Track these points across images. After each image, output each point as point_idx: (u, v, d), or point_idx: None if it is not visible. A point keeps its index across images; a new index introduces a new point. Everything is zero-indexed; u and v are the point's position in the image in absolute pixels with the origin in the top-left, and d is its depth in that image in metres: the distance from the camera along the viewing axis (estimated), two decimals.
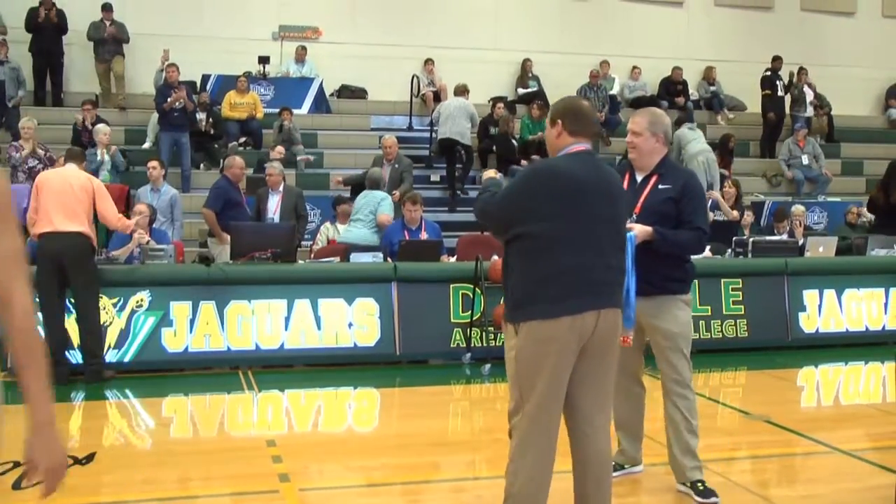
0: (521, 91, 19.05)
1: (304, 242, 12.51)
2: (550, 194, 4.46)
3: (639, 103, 19.49)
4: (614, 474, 5.47)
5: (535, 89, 18.71)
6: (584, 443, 4.61)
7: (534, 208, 4.46)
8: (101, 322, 8.95)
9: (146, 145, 15.78)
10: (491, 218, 4.74)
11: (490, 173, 5.24)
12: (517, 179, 4.68)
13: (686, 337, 5.66)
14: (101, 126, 13.62)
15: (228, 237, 10.78)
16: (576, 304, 4.41)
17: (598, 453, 4.63)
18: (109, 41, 16.58)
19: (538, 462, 4.46)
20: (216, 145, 15.61)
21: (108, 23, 16.61)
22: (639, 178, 5.59)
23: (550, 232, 4.43)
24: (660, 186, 5.48)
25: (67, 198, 8.62)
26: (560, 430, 4.54)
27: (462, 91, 16.26)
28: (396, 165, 13.37)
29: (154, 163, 12.10)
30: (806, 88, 19.39)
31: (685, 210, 5.43)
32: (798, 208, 13.81)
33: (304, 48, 18.32)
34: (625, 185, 5.43)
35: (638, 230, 5.31)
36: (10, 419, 7.50)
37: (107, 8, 16.53)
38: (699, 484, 5.53)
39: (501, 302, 9.41)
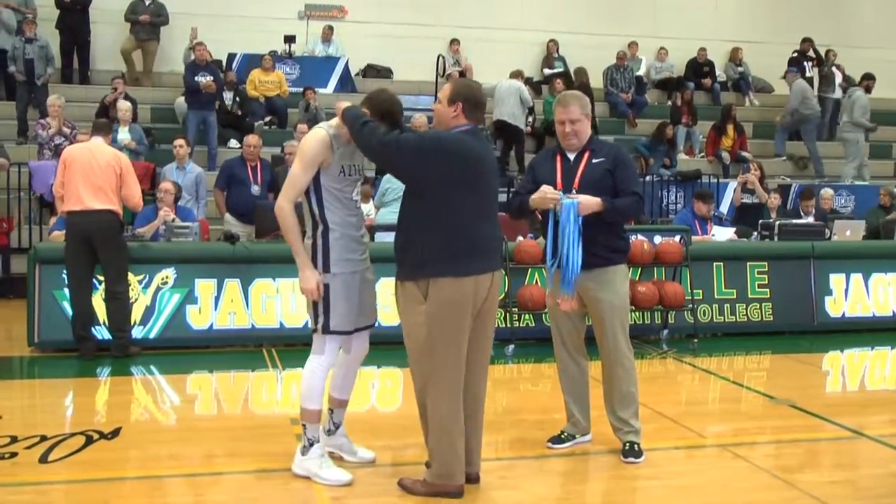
0: (546, 72, 18.95)
1: None
2: (456, 165, 4.98)
3: (665, 85, 19.42)
4: (566, 444, 6.13)
5: (560, 70, 18.60)
6: (473, 402, 5.24)
7: (440, 174, 4.97)
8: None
9: None
10: (393, 164, 5.24)
11: (345, 103, 5.47)
12: (427, 142, 5.11)
13: (625, 308, 5.98)
14: (121, 103, 13.63)
15: (226, 214, 10.94)
16: (477, 266, 5.03)
17: (474, 395, 5.25)
18: (147, 23, 16.64)
19: (457, 406, 5.08)
20: (247, 121, 15.58)
21: (147, 2, 16.66)
22: (571, 156, 5.88)
23: (456, 199, 4.99)
24: (594, 161, 5.81)
25: (94, 175, 8.66)
26: None
27: (516, 75, 16.28)
28: None
29: (180, 141, 12.13)
30: (835, 70, 19.19)
31: (621, 178, 5.75)
32: (827, 191, 13.72)
33: (330, 28, 18.27)
34: (557, 165, 5.88)
35: (584, 201, 5.60)
36: (41, 393, 7.60)
37: None
38: (627, 445, 5.92)
39: (526, 283, 9.47)
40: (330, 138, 5.32)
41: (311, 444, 5.48)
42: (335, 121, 5.39)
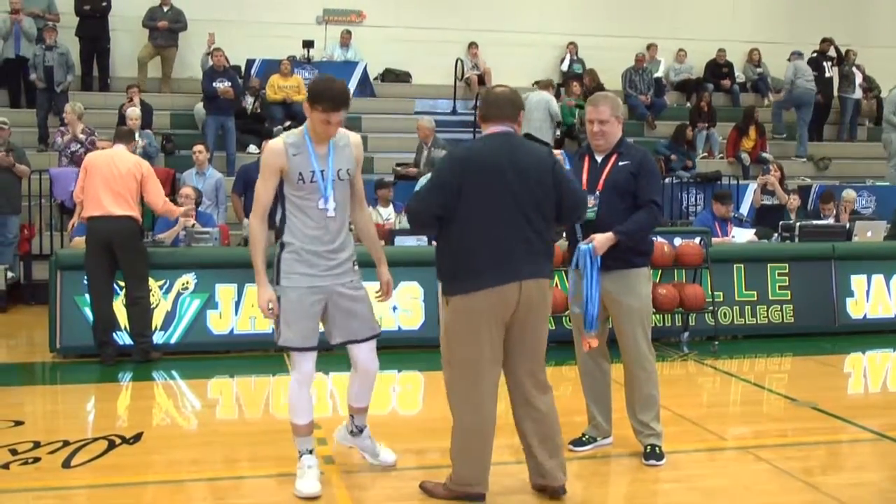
0: (563, 68, 18.93)
1: None
2: (462, 177, 4.90)
3: (684, 86, 19.39)
4: (587, 447, 6.10)
5: (578, 72, 18.57)
6: (530, 412, 5.10)
7: (451, 192, 4.89)
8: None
9: None
10: (419, 216, 5.11)
11: None
12: (434, 172, 5.17)
13: (647, 311, 5.96)
14: (130, 111, 13.71)
15: (246, 219, 11.01)
16: (494, 277, 4.86)
17: (547, 418, 5.12)
18: (164, 29, 16.73)
19: (472, 419, 4.99)
20: (266, 126, 15.64)
21: (165, 8, 16.74)
22: (598, 158, 5.90)
23: (465, 211, 4.87)
24: (620, 163, 5.81)
25: (114, 181, 8.71)
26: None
27: (546, 86, 16.18)
28: (432, 148, 13.37)
29: (199, 147, 12.18)
30: (854, 70, 19.10)
31: (641, 184, 5.76)
32: (850, 194, 13.66)
33: (348, 32, 18.33)
34: (585, 166, 5.90)
35: (598, 242, 5.61)
36: (63, 399, 7.64)
37: None
38: (648, 447, 5.91)
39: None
40: (285, 146, 5.20)
41: (301, 455, 5.44)
42: (299, 129, 5.32)
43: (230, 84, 14.92)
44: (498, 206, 4.90)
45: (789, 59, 18.57)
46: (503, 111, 5.09)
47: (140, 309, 8.87)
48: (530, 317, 5.00)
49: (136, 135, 13.21)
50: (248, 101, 15.71)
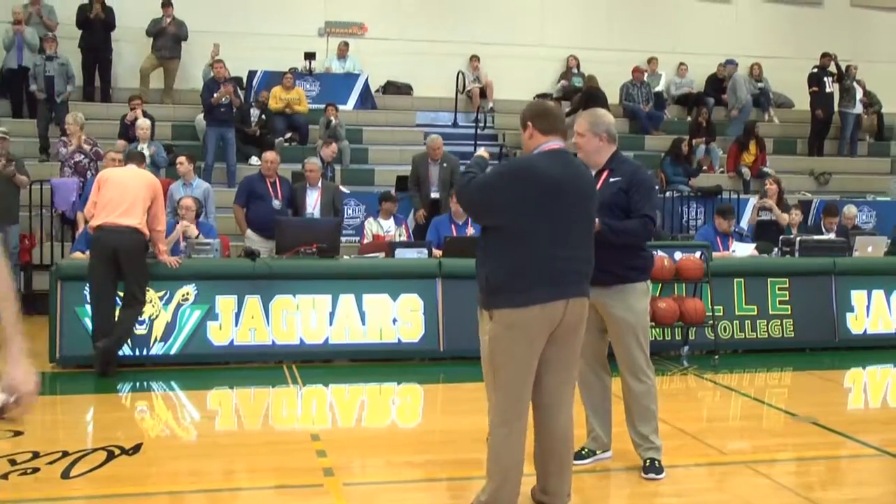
0: (563, 83, 18.94)
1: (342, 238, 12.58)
2: (525, 191, 4.82)
3: (685, 100, 19.42)
4: (587, 461, 6.07)
5: (579, 86, 18.59)
6: (549, 424, 5.02)
7: (509, 203, 4.82)
8: (148, 315, 9.07)
9: None
10: (467, 202, 5.17)
11: (481, 152, 5.46)
12: (495, 172, 5.07)
13: (642, 325, 5.93)
14: (140, 121, 13.71)
15: (247, 230, 11.20)
16: (544, 294, 4.79)
17: (562, 434, 5.04)
18: (168, 37, 16.73)
19: (512, 432, 4.86)
20: (267, 137, 15.65)
21: (168, 19, 16.76)
22: (591, 173, 5.84)
23: (524, 225, 4.82)
24: (611, 180, 5.85)
25: (129, 193, 8.78)
26: None
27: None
28: (444, 164, 13.33)
29: (181, 158, 12.04)
30: (855, 85, 19.12)
31: (633, 199, 5.78)
32: (851, 210, 13.65)
33: (345, 44, 18.33)
34: None
35: None
36: (62, 409, 7.65)
37: (166, 4, 16.69)
38: (648, 461, 5.89)
39: None
40: None
41: None
42: None
43: (232, 89, 14.88)
44: (555, 224, 4.84)
45: (726, 71, 18.81)
46: (557, 125, 5.07)
47: (132, 312, 8.84)
48: (569, 336, 4.94)
49: (147, 145, 13.28)
50: (255, 115, 15.70)
